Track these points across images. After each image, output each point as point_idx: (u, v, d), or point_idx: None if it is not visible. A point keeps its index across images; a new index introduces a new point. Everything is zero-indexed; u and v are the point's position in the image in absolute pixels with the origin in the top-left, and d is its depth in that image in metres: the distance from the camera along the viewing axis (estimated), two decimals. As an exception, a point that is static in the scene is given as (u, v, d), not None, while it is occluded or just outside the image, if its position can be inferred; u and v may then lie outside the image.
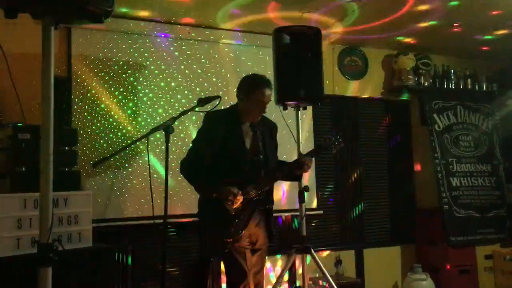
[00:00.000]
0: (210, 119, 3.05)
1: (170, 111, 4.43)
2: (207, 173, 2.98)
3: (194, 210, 4.34)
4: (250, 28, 4.77)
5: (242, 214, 2.97)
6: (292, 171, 3.21)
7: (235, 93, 3.16)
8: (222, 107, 3.18)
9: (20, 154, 3.15)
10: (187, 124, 4.51)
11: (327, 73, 5.07)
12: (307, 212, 4.15)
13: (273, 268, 4.87)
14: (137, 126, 4.33)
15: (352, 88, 5.53)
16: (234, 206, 2.93)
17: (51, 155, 1.95)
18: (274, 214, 3.49)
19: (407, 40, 5.30)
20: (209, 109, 2.93)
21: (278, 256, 4.89)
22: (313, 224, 5.11)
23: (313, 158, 3.34)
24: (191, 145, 3.11)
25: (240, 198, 2.92)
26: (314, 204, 5.02)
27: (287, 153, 4.25)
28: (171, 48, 4.54)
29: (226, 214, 2.93)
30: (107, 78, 4.27)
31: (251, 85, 3.06)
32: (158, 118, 4.38)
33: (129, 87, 4.35)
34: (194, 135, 4.41)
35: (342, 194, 5.39)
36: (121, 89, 4.31)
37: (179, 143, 4.42)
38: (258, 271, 3.12)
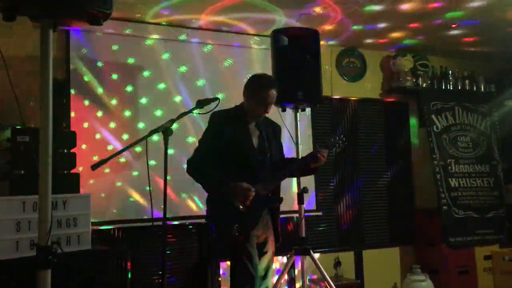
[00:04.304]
0: (217, 118, 3.02)
1: (169, 113, 4.43)
2: (215, 170, 2.93)
3: (193, 213, 4.41)
4: (249, 30, 4.78)
5: (252, 212, 2.91)
6: (307, 165, 3.20)
7: (242, 92, 3.12)
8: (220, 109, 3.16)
9: (19, 156, 3.15)
10: (186, 126, 4.50)
11: (326, 75, 5.09)
12: (306, 214, 4.15)
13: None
14: (136, 128, 4.33)
15: (351, 90, 5.54)
16: (246, 203, 2.86)
17: (50, 157, 1.95)
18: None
19: (406, 41, 5.32)
20: (205, 112, 2.90)
21: (278, 258, 4.88)
22: (312, 226, 5.11)
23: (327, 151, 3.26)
24: (198, 144, 3.07)
25: (252, 194, 2.85)
26: (313, 206, 5.02)
27: (286, 155, 4.24)
28: (170, 51, 4.54)
29: (235, 211, 2.87)
30: (105, 80, 4.26)
31: (256, 85, 3.05)
32: (157, 120, 4.38)
33: (128, 89, 4.35)
34: (192, 138, 4.47)
35: (341, 195, 5.40)
36: (119, 91, 4.31)
37: (178, 145, 4.42)
38: (266, 275, 3.07)
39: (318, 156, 3.16)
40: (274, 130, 3.26)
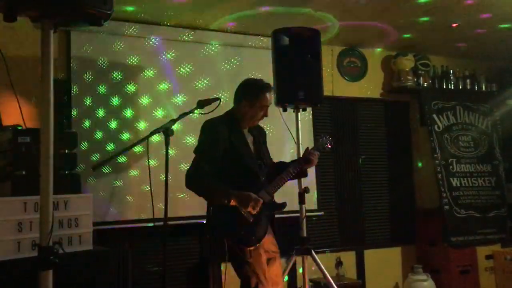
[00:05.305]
0: (212, 126, 2.96)
1: (170, 113, 4.43)
2: (218, 180, 2.87)
3: (195, 213, 4.40)
4: (249, 30, 4.78)
5: (260, 220, 2.90)
6: (301, 168, 3.23)
7: (234, 96, 3.12)
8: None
9: (20, 157, 3.14)
10: (186, 126, 4.50)
11: (326, 75, 5.08)
12: (308, 213, 4.15)
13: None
14: (137, 129, 4.33)
15: (352, 89, 5.53)
16: (254, 212, 2.84)
17: (51, 158, 1.95)
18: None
19: (406, 40, 5.31)
20: (206, 112, 2.88)
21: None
22: (313, 225, 5.10)
23: (318, 152, 3.30)
24: (195, 155, 2.98)
25: (260, 204, 2.84)
26: (314, 205, 5.02)
27: (286, 155, 4.25)
28: (170, 51, 4.54)
29: (244, 221, 2.84)
30: (106, 80, 4.27)
31: (256, 89, 3.03)
32: (158, 121, 4.38)
33: (129, 89, 4.35)
34: (193, 138, 4.47)
35: (342, 195, 5.39)
36: (120, 92, 4.31)
37: (179, 145, 4.42)
38: (277, 282, 3.04)
39: (311, 158, 3.21)
40: (261, 134, 3.27)
